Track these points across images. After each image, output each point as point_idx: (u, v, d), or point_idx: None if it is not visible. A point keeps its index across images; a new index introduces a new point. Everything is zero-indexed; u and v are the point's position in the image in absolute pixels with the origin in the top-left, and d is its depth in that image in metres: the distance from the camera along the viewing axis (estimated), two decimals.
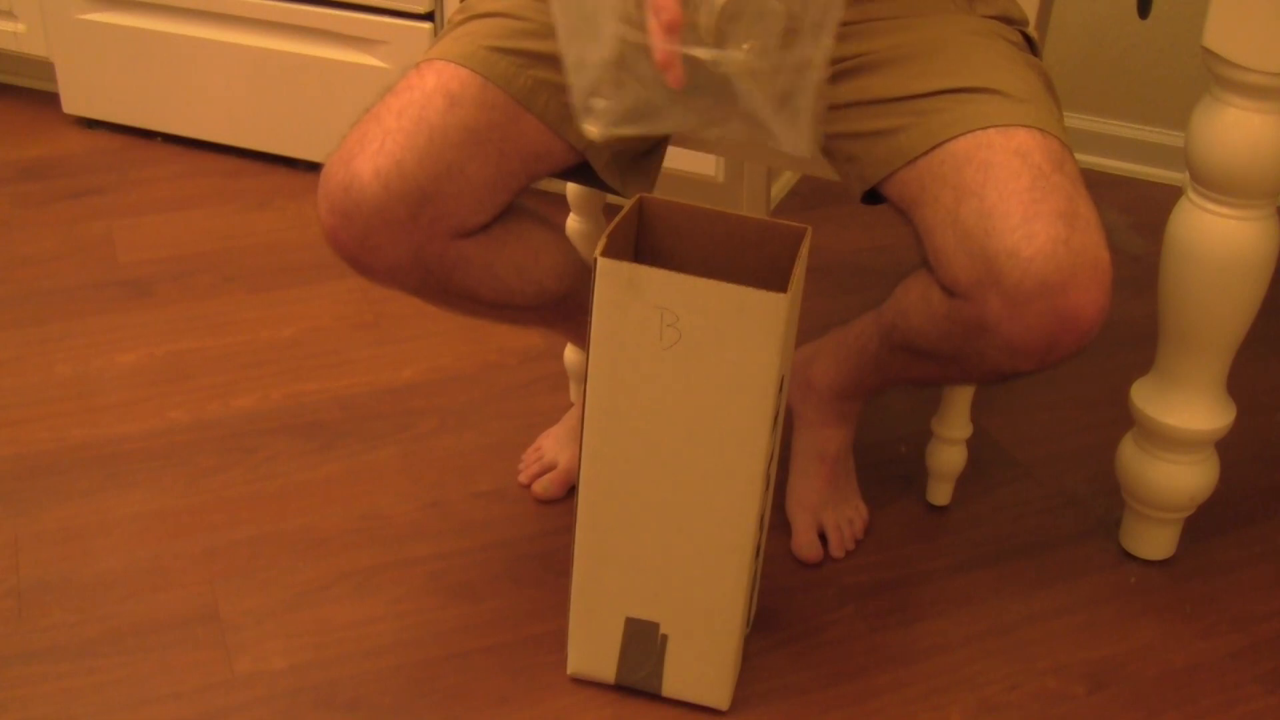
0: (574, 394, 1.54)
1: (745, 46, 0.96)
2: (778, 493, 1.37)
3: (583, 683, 1.18)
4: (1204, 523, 1.39)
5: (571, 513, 1.10)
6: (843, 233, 1.91)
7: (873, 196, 1.15)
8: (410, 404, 1.55)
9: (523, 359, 1.64)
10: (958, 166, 1.04)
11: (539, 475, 1.42)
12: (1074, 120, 2.18)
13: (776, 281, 1.08)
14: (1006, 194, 1.01)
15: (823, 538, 1.35)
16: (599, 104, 1.00)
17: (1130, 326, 1.45)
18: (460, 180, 1.08)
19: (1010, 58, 1.13)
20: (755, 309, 0.97)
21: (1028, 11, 1.23)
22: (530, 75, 1.12)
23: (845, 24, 1.14)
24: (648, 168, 1.25)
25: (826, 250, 1.86)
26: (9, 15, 2.15)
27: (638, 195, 1.11)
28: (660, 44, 0.94)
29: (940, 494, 1.43)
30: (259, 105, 2.07)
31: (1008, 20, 1.18)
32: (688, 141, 1.29)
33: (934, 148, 1.06)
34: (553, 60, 1.13)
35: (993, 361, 1.08)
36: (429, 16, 1.93)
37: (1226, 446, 1.33)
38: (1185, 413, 1.27)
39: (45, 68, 2.24)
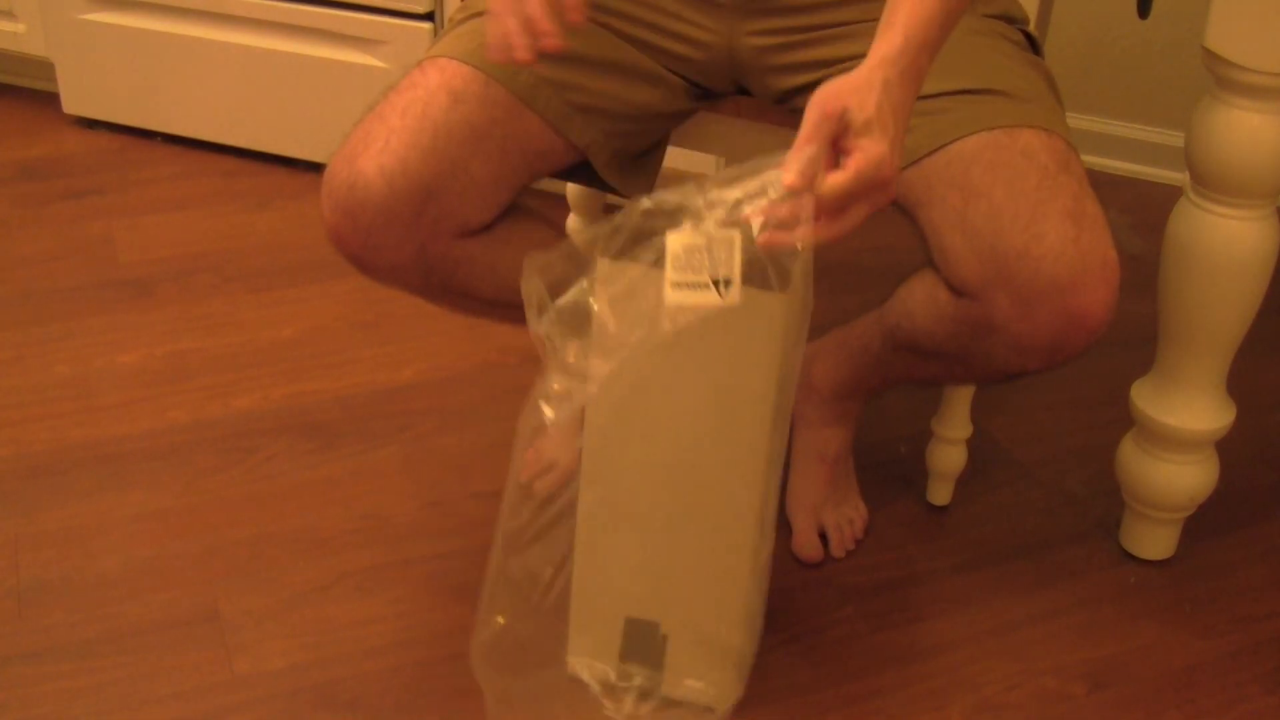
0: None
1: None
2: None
3: (582, 683, 1.17)
4: (1204, 523, 1.39)
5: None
6: None
7: None
8: (410, 404, 1.55)
9: (523, 359, 1.64)
10: (964, 167, 1.04)
11: (539, 475, 1.41)
12: (1074, 120, 2.17)
13: (776, 281, 1.08)
14: (1014, 194, 1.01)
15: (823, 538, 1.35)
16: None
17: (1130, 326, 1.45)
18: (464, 178, 1.09)
19: (1013, 57, 1.13)
20: (755, 309, 0.97)
21: (1028, 11, 1.23)
22: (532, 72, 1.12)
23: (847, 24, 1.14)
24: (648, 167, 1.25)
25: (826, 250, 1.85)
26: (9, 15, 2.15)
27: (638, 196, 1.11)
28: None
29: (940, 494, 1.43)
30: (259, 105, 2.06)
31: (1009, 19, 1.18)
32: (687, 141, 1.29)
33: (939, 148, 1.06)
34: (554, 58, 1.13)
35: (1000, 361, 1.08)
36: (429, 16, 1.93)
37: (1226, 446, 1.33)
38: (1185, 413, 1.27)
39: (45, 68, 2.24)
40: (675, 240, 0.92)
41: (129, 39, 2.07)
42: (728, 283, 0.92)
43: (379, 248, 1.08)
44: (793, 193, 0.87)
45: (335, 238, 1.10)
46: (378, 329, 1.69)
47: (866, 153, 0.88)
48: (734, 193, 0.91)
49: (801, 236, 0.89)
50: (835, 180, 0.88)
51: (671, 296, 0.92)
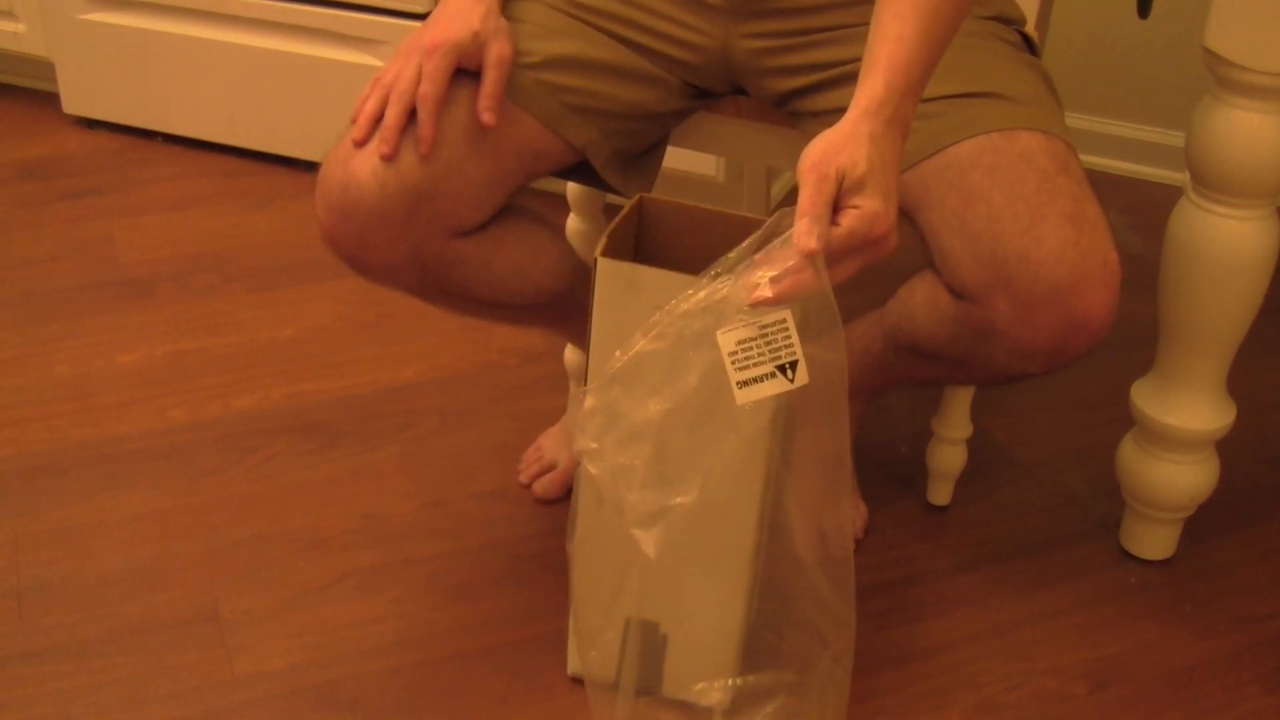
0: (574, 386, 1.54)
1: None
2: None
3: (582, 683, 1.17)
4: (1204, 523, 1.39)
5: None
6: None
7: None
8: (411, 404, 1.55)
9: (523, 359, 1.64)
10: (963, 170, 1.04)
11: (539, 475, 1.42)
12: (1074, 120, 2.18)
13: None
14: (1013, 197, 1.01)
15: None
16: None
17: (1130, 326, 1.45)
18: (458, 179, 1.08)
19: (1010, 59, 1.13)
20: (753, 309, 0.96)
21: (1027, 11, 1.23)
22: (528, 75, 1.12)
23: (843, 27, 1.14)
24: (647, 167, 1.25)
25: None
26: (9, 15, 2.15)
27: (638, 195, 1.11)
28: None
29: (940, 494, 1.43)
30: (259, 105, 2.06)
31: (1004, 20, 1.18)
32: (687, 141, 1.29)
33: (937, 152, 1.06)
34: (550, 61, 1.13)
35: (1001, 364, 1.08)
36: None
37: (1226, 446, 1.33)
38: (1185, 413, 1.27)
39: (45, 68, 2.24)
40: (727, 338, 0.90)
41: (129, 39, 2.07)
42: (793, 365, 0.91)
43: (373, 248, 1.08)
44: (810, 257, 0.88)
45: (329, 238, 1.10)
46: (378, 329, 1.69)
47: (862, 210, 0.89)
48: (762, 272, 0.90)
49: (795, 285, 0.89)
50: (833, 235, 0.89)
51: (741, 396, 0.91)
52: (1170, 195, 1.28)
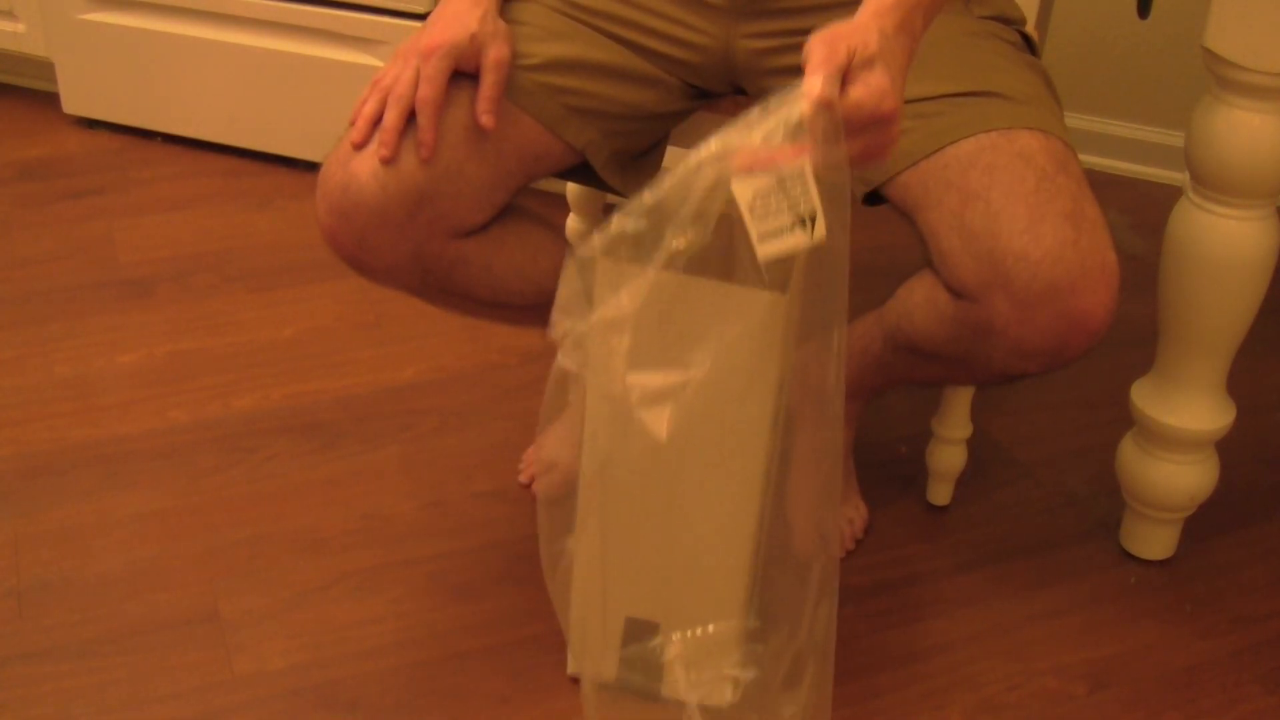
0: (574, 394, 1.53)
1: None
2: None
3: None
4: (1204, 523, 1.39)
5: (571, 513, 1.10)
6: None
7: (874, 197, 1.14)
8: (411, 404, 1.55)
9: (523, 359, 1.64)
10: (962, 170, 1.04)
11: (539, 475, 1.41)
12: (1074, 120, 2.18)
13: (775, 282, 1.08)
14: (1012, 197, 1.01)
15: None
16: None
17: (1130, 326, 1.45)
18: (458, 180, 1.09)
19: (1009, 58, 1.13)
20: (755, 309, 0.97)
21: (1027, 11, 1.23)
22: (528, 77, 1.12)
23: None
24: (647, 166, 1.25)
25: None
26: (9, 15, 2.15)
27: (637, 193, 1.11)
28: None
29: (940, 494, 1.43)
30: (259, 105, 2.06)
31: (1005, 20, 1.18)
32: (687, 141, 1.29)
33: (936, 151, 1.06)
34: (549, 63, 1.13)
35: (1000, 363, 1.08)
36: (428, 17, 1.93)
37: (1226, 446, 1.33)
38: (1185, 413, 1.27)
39: (45, 68, 2.24)
40: (744, 187, 0.85)
41: (129, 39, 2.07)
42: (813, 217, 0.86)
43: (374, 249, 1.09)
44: (821, 107, 0.84)
45: (330, 239, 1.10)
46: (378, 329, 1.69)
47: (868, 84, 0.87)
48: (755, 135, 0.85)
49: (801, 153, 0.86)
50: (841, 102, 0.86)
51: (763, 251, 0.86)
52: (1170, 195, 1.28)
